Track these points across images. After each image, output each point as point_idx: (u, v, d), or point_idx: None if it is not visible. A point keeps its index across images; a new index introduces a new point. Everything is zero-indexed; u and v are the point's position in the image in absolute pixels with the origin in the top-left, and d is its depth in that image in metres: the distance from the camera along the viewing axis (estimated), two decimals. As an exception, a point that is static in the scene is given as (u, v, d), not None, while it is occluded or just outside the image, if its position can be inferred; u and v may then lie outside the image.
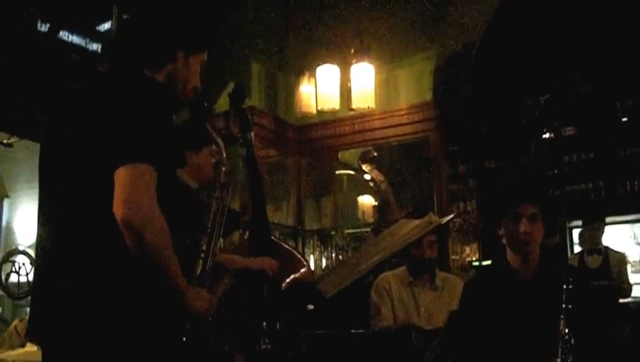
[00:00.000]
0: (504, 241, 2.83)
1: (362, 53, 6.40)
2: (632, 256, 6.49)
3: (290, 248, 3.91)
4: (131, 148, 1.78)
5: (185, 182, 2.98)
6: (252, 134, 3.36)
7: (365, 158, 5.63)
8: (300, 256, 3.77)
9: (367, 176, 5.57)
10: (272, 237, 3.52)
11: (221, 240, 2.37)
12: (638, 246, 6.86)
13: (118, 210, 1.73)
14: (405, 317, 3.96)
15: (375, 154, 5.79)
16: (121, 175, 1.75)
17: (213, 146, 2.94)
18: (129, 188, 1.74)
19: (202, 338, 1.99)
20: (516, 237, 2.75)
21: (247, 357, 2.94)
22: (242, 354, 2.94)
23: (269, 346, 2.96)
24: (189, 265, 2.05)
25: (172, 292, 1.84)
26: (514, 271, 2.82)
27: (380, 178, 5.47)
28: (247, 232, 3.43)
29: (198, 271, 2.09)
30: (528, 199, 2.79)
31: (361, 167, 5.60)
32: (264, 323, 3.00)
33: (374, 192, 6.50)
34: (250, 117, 3.44)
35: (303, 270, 3.46)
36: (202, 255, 2.13)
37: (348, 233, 7.46)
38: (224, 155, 2.31)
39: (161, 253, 1.78)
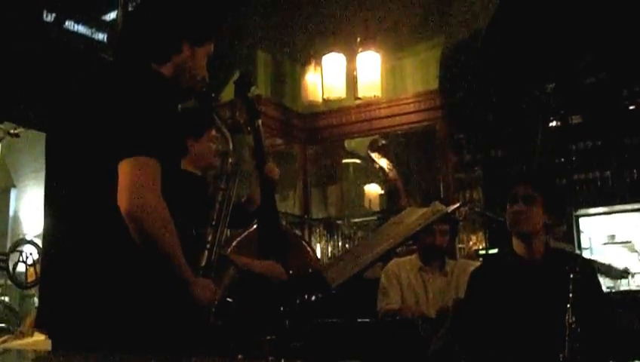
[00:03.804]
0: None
1: (368, 41, 6.39)
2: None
3: (298, 236, 3.90)
4: (135, 141, 1.79)
5: (192, 171, 2.96)
6: (260, 122, 3.31)
7: (374, 147, 5.65)
8: (307, 245, 3.77)
9: (375, 165, 5.59)
10: (282, 226, 3.51)
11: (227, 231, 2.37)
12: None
13: (122, 201, 1.75)
14: (414, 303, 3.98)
15: (384, 142, 5.79)
16: (124, 167, 1.77)
17: (213, 131, 2.90)
18: (132, 181, 1.75)
19: (206, 327, 2.00)
20: (509, 218, 2.79)
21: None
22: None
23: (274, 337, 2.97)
24: (194, 256, 2.06)
25: (177, 282, 1.85)
26: (519, 258, 2.82)
27: (388, 166, 5.50)
28: (256, 221, 3.41)
29: (204, 262, 2.10)
30: (523, 179, 2.85)
31: (370, 155, 5.62)
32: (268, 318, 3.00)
33: (383, 180, 6.51)
34: (256, 104, 3.38)
35: (310, 258, 3.46)
36: (208, 246, 2.14)
37: (354, 222, 7.46)
38: (230, 146, 2.29)
39: (165, 243, 1.79)
